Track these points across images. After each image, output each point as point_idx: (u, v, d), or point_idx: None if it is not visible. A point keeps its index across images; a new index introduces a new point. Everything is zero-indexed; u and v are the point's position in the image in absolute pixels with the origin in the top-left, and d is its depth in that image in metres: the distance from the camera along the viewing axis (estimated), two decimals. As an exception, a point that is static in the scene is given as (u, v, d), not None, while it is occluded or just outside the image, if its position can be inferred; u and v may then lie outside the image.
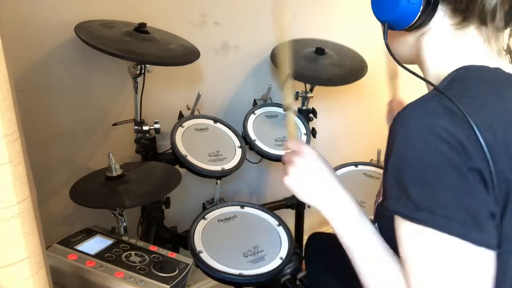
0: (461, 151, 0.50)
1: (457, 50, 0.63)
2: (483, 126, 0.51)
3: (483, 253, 0.50)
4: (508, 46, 0.65)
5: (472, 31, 0.62)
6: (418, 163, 0.52)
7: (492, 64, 0.60)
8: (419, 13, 0.61)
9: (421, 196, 0.52)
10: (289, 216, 1.72)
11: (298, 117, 1.49)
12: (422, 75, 0.68)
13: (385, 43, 0.66)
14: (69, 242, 0.89)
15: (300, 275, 1.12)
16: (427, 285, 0.51)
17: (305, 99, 1.56)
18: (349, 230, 0.66)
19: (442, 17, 0.62)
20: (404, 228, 0.54)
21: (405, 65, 0.69)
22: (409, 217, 0.52)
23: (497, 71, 0.60)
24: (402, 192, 0.53)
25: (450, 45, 0.63)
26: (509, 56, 0.65)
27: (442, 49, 0.64)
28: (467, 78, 0.58)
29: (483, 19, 0.60)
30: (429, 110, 0.54)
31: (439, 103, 0.53)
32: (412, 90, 0.66)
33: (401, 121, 0.55)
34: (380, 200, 0.66)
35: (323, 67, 1.45)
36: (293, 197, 1.62)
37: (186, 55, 1.19)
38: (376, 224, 0.68)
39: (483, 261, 0.50)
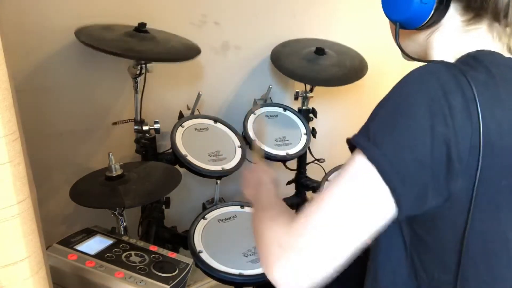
0: (445, 114, 0.49)
1: (468, 46, 0.62)
2: (481, 102, 0.50)
3: (388, 203, 0.49)
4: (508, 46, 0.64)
5: (483, 28, 0.61)
6: (398, 103, 0.52)
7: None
8: (432, 12, 0.60)
9: (378, 130, 0.51)
10: (289, 216, 1.72)
11: (298, 117, 1.49)
12: None
13: (397, 43, 0.66)
14: (69, 242, 0.89)
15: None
16: (328, 198, 0.52)
17: (305, 99, 1.55)
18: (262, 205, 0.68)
19: (453, 15, 0.62)
20: (352, 155, 0.53)
21: (402, 65, 0.69)
22: (357, 143, 0.52)
23: (510, 59, 0.59)
24: (367, 123, 0.54)
25: (460, 42, 0.62)
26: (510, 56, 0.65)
27: (452, 46, 0.63)
28: (482, 58, 0.57)
29: (496, 16, 0.59)
30: (436, 67, 0.53)
31: (446, 67, 0.53)
32: None
33: (405, 75, 0.54)
34: None
35: (323, 67, 1.45)
36: (293, 197, 1.62)
37: (186, 51, 1.19)
38: None
39: (382, 209, 0.50)
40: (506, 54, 0.62)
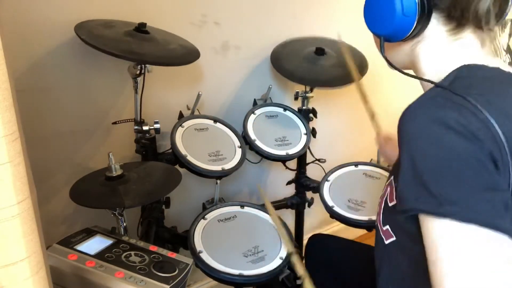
0: (474, 140, 0.49)
1: (453, 55, 0.63)
2: (493, 118, 0.51)
3: (507, 240, 0.48)
4: (508, 46, 0.65)
5: (467, 36, 0.62)
6: (434, 157, 0.51)
7: (490, 65, 0.60)
8: (415, 24, 0.60)
9: (442, 190, 0.50)
10: (289, 216, 1.73)
11: (298, 117, 1.49)
12: (419, 82, 0.68)
13: (383, 56, 0.66)
14: (69, 242, 0.89)
15: (299, 281, 1.13)
16: (461, 278, 0.48)
17: (305, 99, 1.55)
18: None
19: (436, 25, 0.62)
20: (431, 226, 0.51)
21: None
22: (433, 213, 0.51)
23: (497, 70, 0.60)
24: (421, 189, 0.52)
25: (445, 51, 0.63)
26: (509, 56, 0.65)
27: (438, 56, 0.64)
28: (470, 76, 0.58)
29: (478, 23, 0.60)
30: (435, 105, 0.53)
31: (446, 98, 0.53)
32: (406, 95, 0.66)
33: (407, 121, 0.54)
34: (392, 203, 0.65)
35: (323, 68, 1.45)
36: (293, 197, 1.63)
37: (186, 55, 1.19)
38: (386, 227, 0.67)
39: (508, 247, 0.49)
40: (492, 58, 0.63)
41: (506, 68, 0.62)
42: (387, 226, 0.67)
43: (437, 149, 0.51)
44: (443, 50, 0.63)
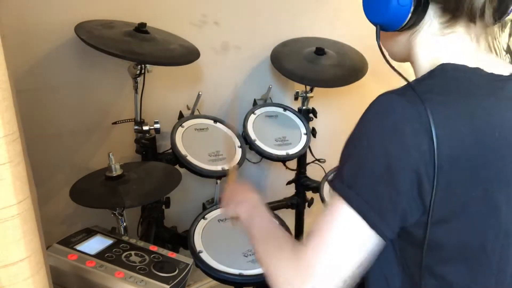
0: (405, 148, 0.52)
1: (445, 48, 0.63)
2: (440, 122, 0.52)
3: (372, 237, 0.54)
4: (508, 46, 0.65)
5: (460, 29, 0.63)
6: (359, 145, 0.56)
7: (475, 62, 0.60)
8: (410, 14, 0.61)
9: (348, 172, 0.56)
10: (289, 216, 1.72)
11: (298, 117, 1.49)
12: (414, 73, 0.69)
13: (378, 44, 0.67)
14: (69, 242, 0.89)
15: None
16: (310, 245, 0.55)
17: (305, 99, 1.56)
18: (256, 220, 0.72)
19: (431, 17, 0.63)
20: (331, 198, 0.58)
21: (400, 62, 0.70)
22: (333, 186, 0.56)
23: (475, 71, 0.60)
24: (340, 166, 0.58)
25: (438, 44, 0.64)
26: (509, 56, 0.65)
27: (431, 48, 0.64)
28: (440, 75, 0.59)
29: (472, 17, 0.60)
30: (388, 101, 0.56)
31: (402, 96, 0.55)
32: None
33: (368, 107, 0.58)
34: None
35: (323, 67, 1.45)
36: (293, 197, 1.63)
37: (186, 55, 1.19)
38: None
39: (369, 244, 0.54)
40: (484, 55, 0.63)
41: (496, 65, 0.62)
42: None
43: (366, 140, 0.56)
44: (436, 42, 0.64)
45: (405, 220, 0.54)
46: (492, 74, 0.60)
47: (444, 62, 0.61)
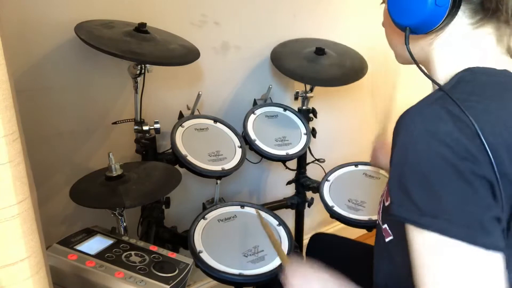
0: (465, 155, 0.49)
1: (470, 49, 0.61)
2: (486, 130, 0.50)
3: (491, 256, 0.49)
4: (509, 46, 0.64)
5: (488, 30, 0.61)
6: (421, 167, 0.51)
7: (501, 64, 0.59)
8: (446, 15, 0.58)
9: (424, 201, 0.51)
10: (289, 216, 1.72)
11: (298, 117, 1.49)
12: (430, 76, 0.67)
13: (408, 49, 0.63)
14: (69, 242, 0.89)
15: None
16: None
17: (305, 99, 1.55)
18: None
19: (461, 17, 0.60)
20: (413, 234, 0.53)
21: (403, 65, 0.69)
22: (414, 222, 0.52)
23: (504, 73, 0.58)
24: (405, 196, 0.52)
25: (463, 45, 0.62)
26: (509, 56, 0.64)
27: (455, 50, 0.62)
28: (472, 80, 0.57)
29: (507, 17, 0.58)
30: (432, 114, 0.53)
31: (442, 107, 0.53)
32: (414, 91, 0.65)
33: (403, 125, 0.54)
34: (387, 203, 0.65)
35: (323, 67, 1.45)
36: (293, 197, 1.63)
37: (186, 55, 1.19)
38: (385, 225, 0.67)
39: (492, 264, 0.49)
40: (506, 57, 0.62)
41: None
42: (385, 225, 0.67)
43: (425, 160, 0.51)
44: (462, 44, 0.61)
45: (500, 224, 0.51)
46: None
47: (471, 65, 0.59)
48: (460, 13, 0.60)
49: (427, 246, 0.51)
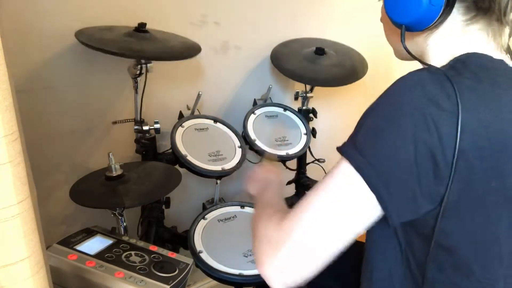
0: (427, 122, 0.50)
1: (464, 45, 0.62)
2: (467, 106, 0.51)
3: (375, 210, 0.52)
4: (508, 46, 0.65)
5: (480, 27, 0.62)
6: (383, 112, 0.54)
7: (495, 57, 0.60)
8: (440, 13, 0.60)
9: (363, 139, 0.54)
10: (289, 216, 1.72)
11: (298, 117, 1.49)
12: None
13: (404, 45, 0.64)
14: (69, 242, 0.89)
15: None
16: (296, 210, 0.54)
17: (305, 99, 1.56)
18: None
19: (455, 14, 0.62)
20: (337, 162, 0.55)
21: (403, 65, 0.69)
22: (343, 151, 0.54)
23: (501, 61, 0.59)
24: (355, 132, 0.55)
25: (458, 41, 0.63)
26: (509, 56, 0.65)
27: (450, 45, 0.63)
28: (466, 61, 0.58)
29: (499, 15, 0.60)
30: (422, 75, 0.54)
31: (432, 73, 0.54)
32: None
33: (398, 79, 0.56)
34: None
35: (323, 67, 1.45)
36: (293, 197, 1.62)
37: (187, 50, 1.19)
38: None
39: (369, 216, 0.52)
40: (500, 54, 0.63)
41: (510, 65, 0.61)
42: None
43: (392, 108, 0.53)
44: (455, 40, 0.63)
45: (413, 206, 0.52)
46: None
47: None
48: (454, 10, 0.61)
49: (338, 171, 0.54)
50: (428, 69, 0.56)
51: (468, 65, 0.57)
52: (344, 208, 0.53)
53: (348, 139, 0.56)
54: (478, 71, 0.56)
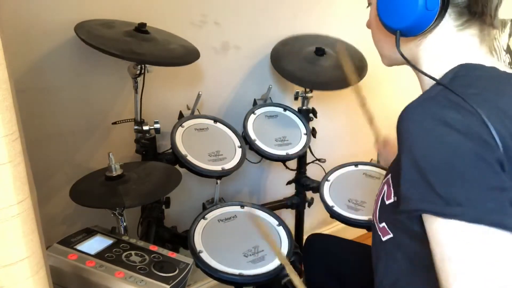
0: (479, 140, 0.49)
1: (456, 50, 0.63)
2: (492, 118, 0.51)
3: None
4: (508, 46, 0.65)
5: (472, 31, 0.62)
6: (438, 156, 0.51)
7: (487, 63, 0.61)
8: (435, 18, 0.60)
9: (448, 190, 0.50)
10: (289, 216, 1.73)
11: (298, 117, 1.49)
12: (417, 77, 0.68)
13: (399, 51, 0.64)
14: (69, 242, 0.89)
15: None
16: (470, 278, 0.49)
17: (305, 99, 1.55)
18: None
19: (447, 19, 0.62)
20: (437, 226, 0.51)
21: (389, 67, 0.69)
22: (440, 214, 0.50)
23: (494, 69, 0.60)
24: (426, 189, 0.51)
25: (449, 46, 0.63)
26: (509, 56, 0.65)
27: (442, 50, 0.64)
28: (467, 74, 0.58)
29: (490, 20, 0.60)
30: (437, 105, 0.53)
31: (444, 98, 0.53)
32: (405, 98, 0.66)
33: (407, 120, 0.54)
34: (389, 201, 0.65)
35: (322, 69, 1.45)
36: (293, 197, 1.63)
37: (186, 55, 1.19)
38: (382, 224, 0.67)
39: None
40: (490, 57, 0.63)
41: (502, 67, 0.62)
42: (383, 224, 0.67)
43: (440, 148, 0.50)
44: (447, 45, 0.63)
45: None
46: (505, 72, 0.60)
47: (458, 63, 0.60)
48: (446, 15, 0.61)
49: (455, 235, 0.50)
50: (434, 95, 0.55)
51: (469, 78, 0.57)
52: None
53: (424, 199, 0.52)
54: (480, 83, 0.57)
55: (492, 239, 0.48)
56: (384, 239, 0.67)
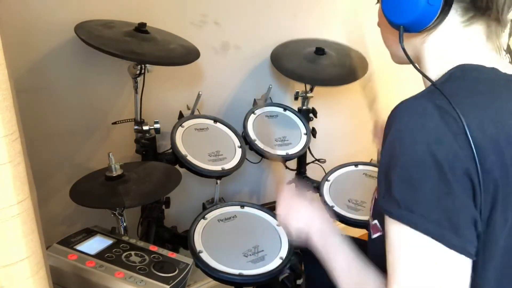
0: (447, 151, 0.51)
1: (460, 47, 0.62)
2: (473, 125, 0.52)
3: (457, 257, 0.50)
4: (508, 46, 0.65)
5: (478, 27, 0.62)
6: (404, 161, 0.53)
7: (490, 63, 0.60)
8: (438, 13, 0.59)
9: (403, 194, 0.53)
10: (289, 216, 1.72)
11: (298, 117, 1.49)
12: (422, 80, 0.68)
13: (402, 47, 0.64)
14: (69, 242, 0.89)
15: (299, 281, 1.12)
16: (403, 281, 0.52)
17: (305, 99, 1.56)
18: (329, 247, 0.69)
19: (453, 15, 0.61)
20: (388, 224, 0.55)
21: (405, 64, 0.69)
22: (391, 213, 0.54)
23: (494, 71, 0.60)
24: (388, 188, 0.55)
25: (455, 43, 0.62)
26: (509, 56, 0.65)
27: (447, 47, 0.63)
28: (462, 77, 0.58)
29: (497, 15, 0.59)
30: (419, 109, 0.54)
31: (429, 101, 0.54)
32: (416, 90, 0.65)
33: (394, 118, 0.56)
34: (376, 197, 0.66)
35: (323, 67, 1.45)
36: (293, 197, 1.62)
37: (186, 55, 1.19)
38: (375, 221, 0.68)
39: (456, 265, 0.51)
40: (495, 55, 0.63)
41: (505, 67, 0.61)
42: (376, 221, 0.68)
43: (409, 155, 0.52)
44: (453, 41, 0.62)
45: (476, 228, 0.52)
46: (506, 74, 0.60)
47: (462, 62, 0.60)
48: (452, 11, 0.61)
49: (400, 237, 0.53)
50: (424, 96, 0.56)
51: (463, 81, 0.57)
52: (439, 271, 0.51)
53: (385, 196, 0.55)
54: (474, 86, 0.57)
55: (429, 248, 0.51)
56: (374, 236, 0.67)
